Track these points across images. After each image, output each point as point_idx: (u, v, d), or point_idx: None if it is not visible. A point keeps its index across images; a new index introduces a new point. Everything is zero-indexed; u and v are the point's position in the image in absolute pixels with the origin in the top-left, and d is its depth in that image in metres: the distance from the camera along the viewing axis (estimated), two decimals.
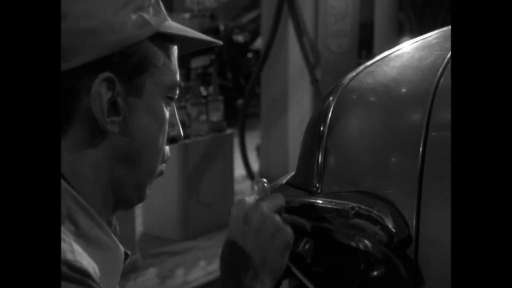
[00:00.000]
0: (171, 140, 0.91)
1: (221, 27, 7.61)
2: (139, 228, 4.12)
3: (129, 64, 0.82)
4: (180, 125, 0.92)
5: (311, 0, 4.81)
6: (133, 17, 0.82)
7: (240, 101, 6.49)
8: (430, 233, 0.96)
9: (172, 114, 0.90)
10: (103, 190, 0.84)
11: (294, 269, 0.98)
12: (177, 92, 0.89)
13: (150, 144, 0.86)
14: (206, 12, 7.67)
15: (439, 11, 7.86)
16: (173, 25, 0.87)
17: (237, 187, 4.70)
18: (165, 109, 0.87)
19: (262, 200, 0.97)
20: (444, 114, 0.98)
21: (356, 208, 0.97)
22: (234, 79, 7.59)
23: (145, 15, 0.83)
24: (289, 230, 0.95)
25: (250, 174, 5.06)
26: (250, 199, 0.97)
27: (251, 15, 7.97)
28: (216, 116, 4.35)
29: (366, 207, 0.97)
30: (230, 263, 0.94)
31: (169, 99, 0.88)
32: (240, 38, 7.81)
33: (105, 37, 0.79)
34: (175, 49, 0.89)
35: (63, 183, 0.80)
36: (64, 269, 0.71)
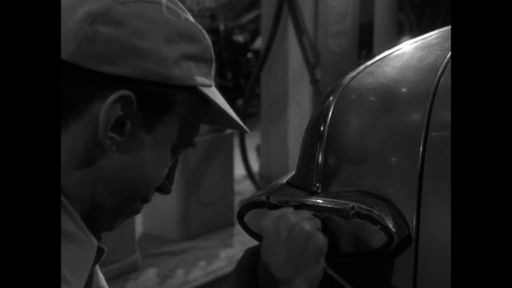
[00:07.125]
0: (158, 189, 0.89)
1: (221, 27, 7.60)
2: (139, 228, 4.12)
3: (154, 98, 0.81)
4: (174, 181, 0.91)
5: (311, 0, 4.81)
6: (181, 61, 0.82)
7: (240, 101, 6.49)
8: (430, 233, 0.96)
9: (172, 168, 0.88)
10: (82, 201, 0.82)
11: (330, 271, 0.95)
12: (186, 149, 0.88)
13: (138, 181, 0.84)
14: (206, 12, 7.67)
15: (439, 11, 7.87)
16: (213, 92, 0.86)
17: (237, 187, 4.70)
18: (167, 157, 0.85)
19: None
20: (444, 114, 0.97)
21: (356, 208, 0.97)
22: (234, 79, 7.59)
23: (193, 67, 0.83)
24: (321, 236, 0.93)
25: (250, 174, 5.06)
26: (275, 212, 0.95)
27: (251, 15, 7.97)
28: None
29: (366, 207, 0.97)
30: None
31: (176, 152, 0.87)
32: (240, 38, 7.80)
33: (147, 64, 0.79)
34: (203, 114, 0.87)
35: None
36: None
